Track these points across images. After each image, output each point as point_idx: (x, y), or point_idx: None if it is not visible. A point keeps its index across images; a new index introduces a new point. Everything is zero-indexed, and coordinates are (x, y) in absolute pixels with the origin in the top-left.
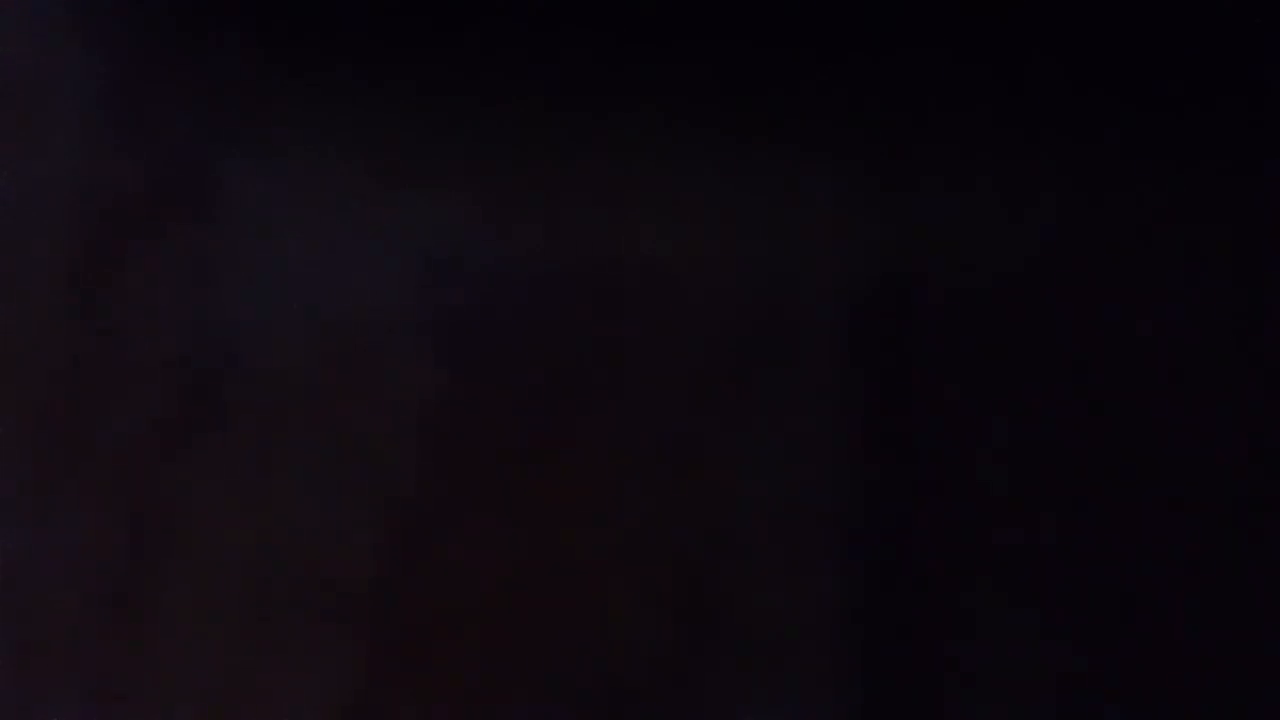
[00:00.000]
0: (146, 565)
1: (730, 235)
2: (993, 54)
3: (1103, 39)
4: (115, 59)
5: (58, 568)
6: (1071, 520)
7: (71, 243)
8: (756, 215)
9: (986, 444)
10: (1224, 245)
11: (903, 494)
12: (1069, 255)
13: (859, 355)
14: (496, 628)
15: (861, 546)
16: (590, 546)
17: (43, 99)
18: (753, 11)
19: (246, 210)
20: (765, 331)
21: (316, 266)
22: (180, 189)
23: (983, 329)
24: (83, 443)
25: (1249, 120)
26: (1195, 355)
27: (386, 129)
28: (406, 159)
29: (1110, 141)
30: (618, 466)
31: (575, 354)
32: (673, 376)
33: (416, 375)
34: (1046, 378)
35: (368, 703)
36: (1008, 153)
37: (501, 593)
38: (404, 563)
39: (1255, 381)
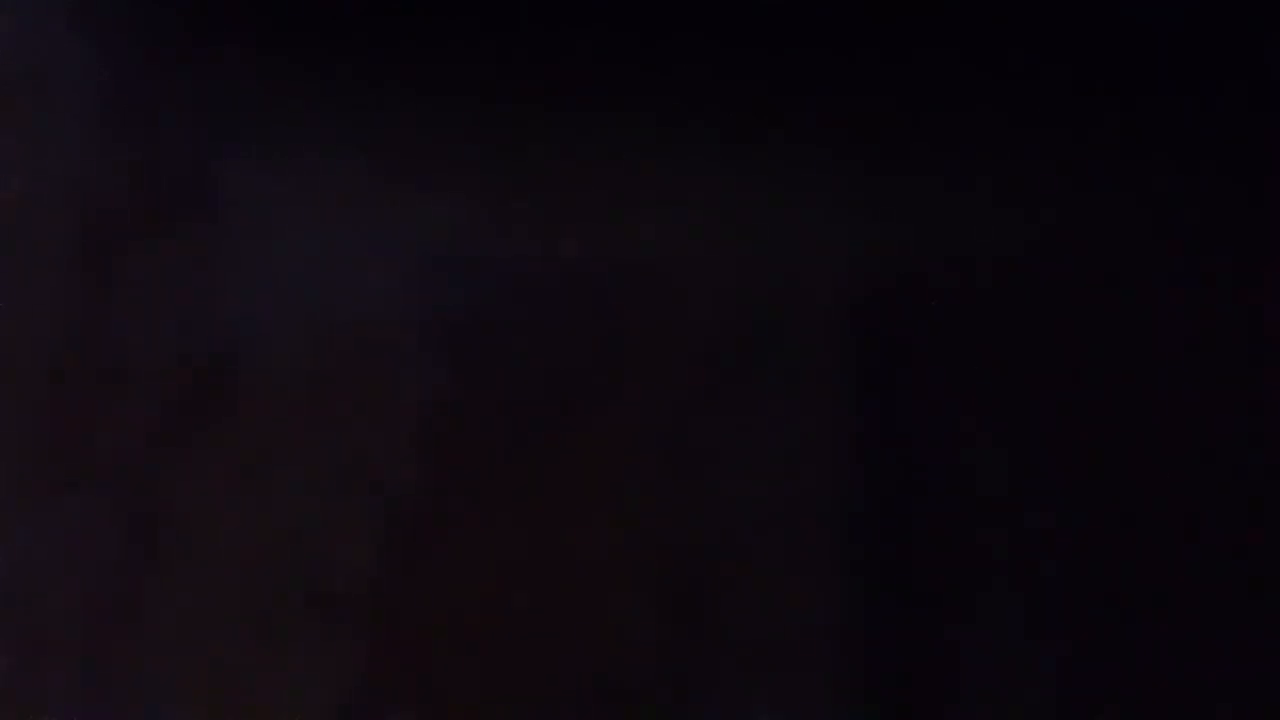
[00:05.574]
0: (146, 565)
1: (730, 235)
2: (993, 54)
3: (1102, 38)
4: (116, 59)
5: (58, 568)
6: (1071, 519)
7: (72, 242)
8: (756, 215)
9: (986, 443)
10: (1223, 244)
11: (903, 494)
12: (1068, 254)
13: (859, 355)
14: (496, 628)
15: (861, 546)
16: (590, 546)
17: (43, 99)
18: (752, 12)
19: (246, 210)
20: (765, 331)
21: (317, 266)
22: (180, 189)
23: (982, 328)
24: (83, 443)
25: (1249, 120)
26: (1196, 354)
27: (386, 129)
28: (406, 159)
29: (1110, 141)
30: (618, 466)
31: (575, 354)
32: (673, 376)
33: (416, 374)
34: (1046, 377)
35: (367, 702)
36: (1007, 152)
37: (501, 592)
38: (404, 562)
39: (1254, 380)
